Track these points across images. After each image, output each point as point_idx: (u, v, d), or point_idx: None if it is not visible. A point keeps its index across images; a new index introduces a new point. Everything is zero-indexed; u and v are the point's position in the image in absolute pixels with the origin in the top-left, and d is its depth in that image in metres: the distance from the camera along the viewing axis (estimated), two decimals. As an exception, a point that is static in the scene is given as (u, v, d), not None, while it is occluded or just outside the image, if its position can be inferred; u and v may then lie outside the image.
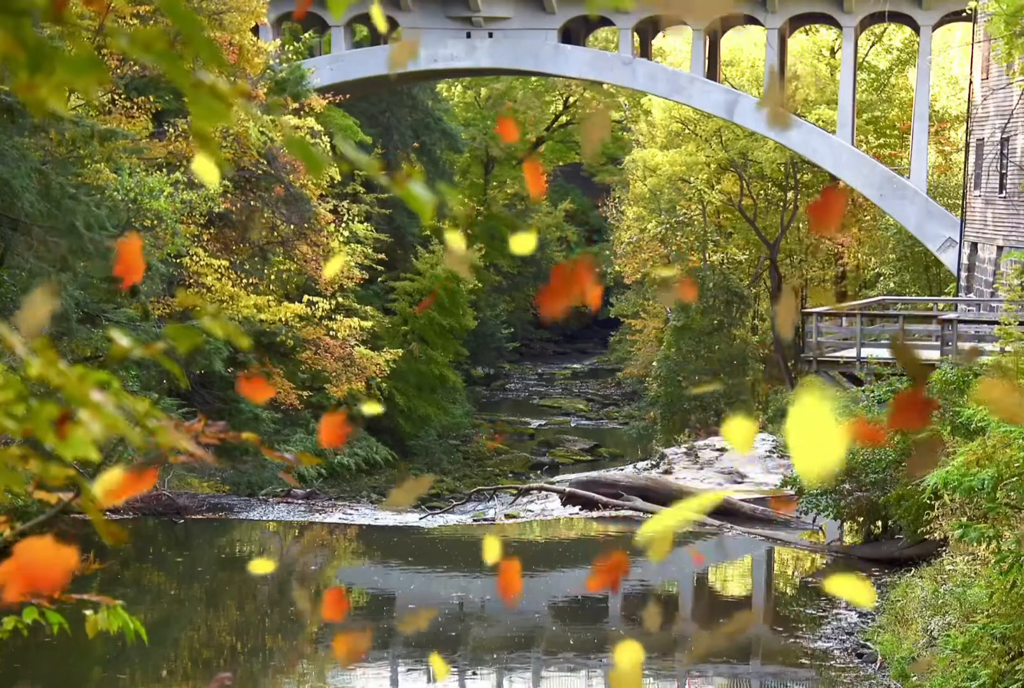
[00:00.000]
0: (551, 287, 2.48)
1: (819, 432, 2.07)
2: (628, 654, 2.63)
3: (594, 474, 33.23)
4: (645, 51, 47.97)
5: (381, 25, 2.81)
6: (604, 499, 30.53)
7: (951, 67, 54.69)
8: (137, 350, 2.59)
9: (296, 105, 36.45)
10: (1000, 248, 36.17)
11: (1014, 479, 15.08)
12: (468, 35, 45.35)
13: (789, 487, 26.89)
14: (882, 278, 49.47)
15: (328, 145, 35.13)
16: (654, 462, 37.79)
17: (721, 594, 26.03)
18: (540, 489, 32.94)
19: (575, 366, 71.20)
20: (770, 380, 49.66)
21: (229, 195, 33.55)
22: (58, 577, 2.28)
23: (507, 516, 31.04)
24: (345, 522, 30.09)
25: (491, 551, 2.89)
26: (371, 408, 3.49)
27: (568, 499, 31.07)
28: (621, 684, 2.61)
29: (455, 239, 2.63)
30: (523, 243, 2.62)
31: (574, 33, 47.07)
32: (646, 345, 56.79)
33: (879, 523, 26.61)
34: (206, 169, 2.53)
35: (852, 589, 2.44)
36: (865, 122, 52.72)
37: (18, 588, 2.27)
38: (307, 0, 2.94)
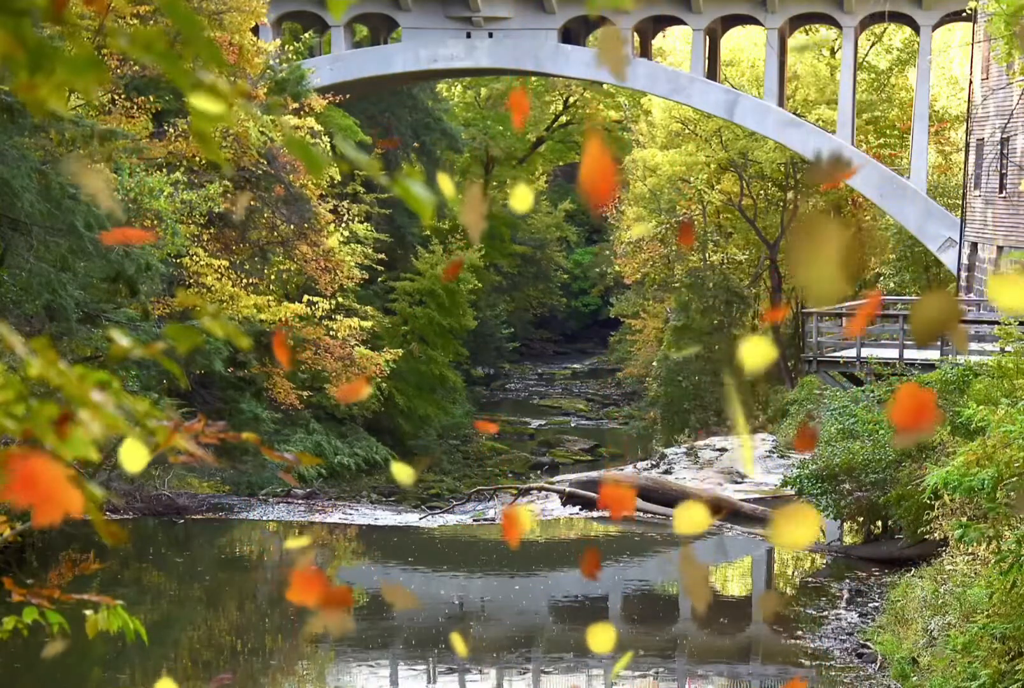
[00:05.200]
0: None
1: None
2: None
3: (594, 474, 33.22)
4: (645, 51, 47.95)
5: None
6: (604, 499, 30.49)
7: (951, 67, 54.68)
8: (137, 350, 2.59)
9: (296, 105, 36.44)
10: (1000, 248, 36.17)
11: (1014, 479, 15.08)
12: (468, 35, 45.34)
13: (789, 487, 26.89)
14: (882, 278, 49.47)
15: (328, 145, 35.13)
16: (654, 462, 37.78)
17: (721, 594, 26.02)
18: (540, 489, 32.94)
19: (575, 366, 71.21)
20: (770, 380, 49.66)
21: (229, 195, 33.54)
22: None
23: (507, 516, 31.03)
24: (345, 522, 30.09)
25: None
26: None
27: (568, 499, 31.07)
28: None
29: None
30: (522, 199, 2.58)
31: (574, 33, 47.04)
32: (646, 345, 56.82)
33: (879, 523, 26.60)
34: (132, 454, 2.54)
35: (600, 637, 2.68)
36: (865, 122, 52.70)
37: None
38: None
